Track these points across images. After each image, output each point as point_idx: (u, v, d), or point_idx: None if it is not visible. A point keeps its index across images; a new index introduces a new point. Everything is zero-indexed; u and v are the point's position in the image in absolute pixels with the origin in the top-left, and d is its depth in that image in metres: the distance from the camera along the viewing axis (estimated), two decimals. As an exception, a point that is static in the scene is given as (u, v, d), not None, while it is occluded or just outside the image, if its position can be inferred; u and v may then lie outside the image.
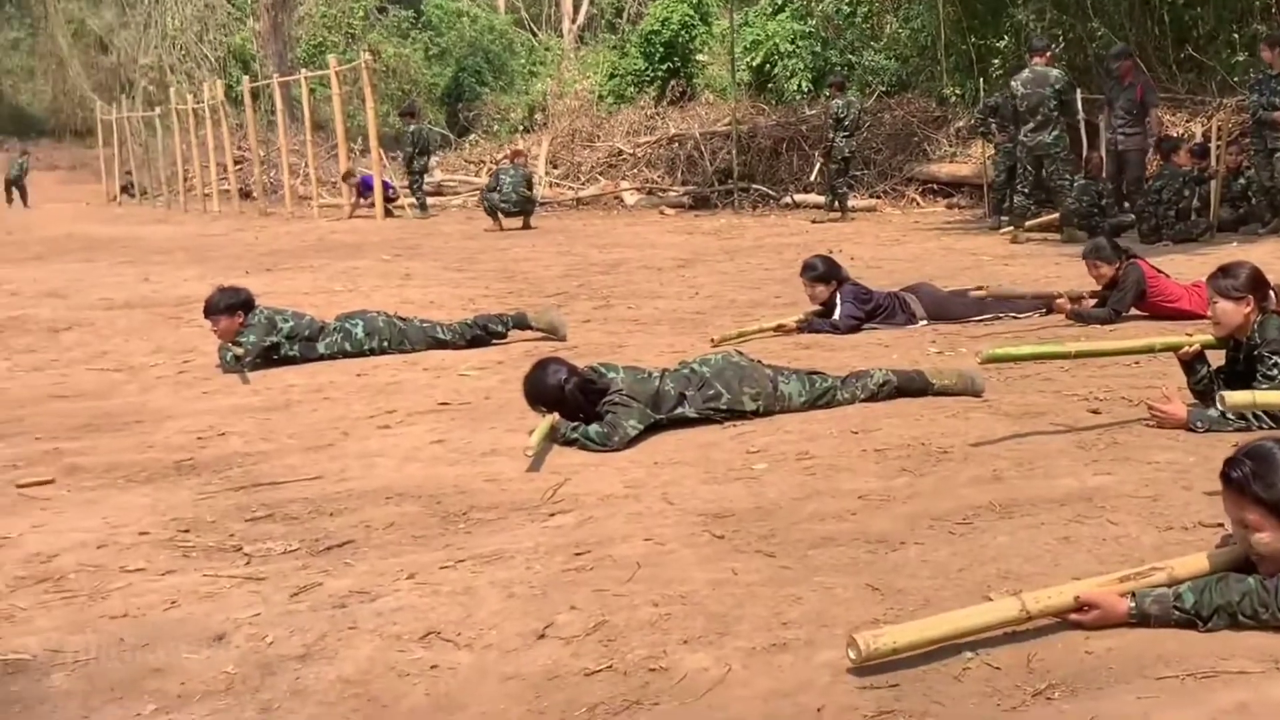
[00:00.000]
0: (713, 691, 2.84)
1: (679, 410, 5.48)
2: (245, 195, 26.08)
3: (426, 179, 23.37)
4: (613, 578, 3.63)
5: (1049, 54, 13.97)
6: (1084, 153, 14.70)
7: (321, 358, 7.74)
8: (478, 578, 3.72)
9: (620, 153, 24.19)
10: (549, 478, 4.85)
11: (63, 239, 19.16)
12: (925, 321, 8.02)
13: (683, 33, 26.58)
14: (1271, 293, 5.18)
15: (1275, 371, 5.02)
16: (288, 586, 3.74)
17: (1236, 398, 4.62)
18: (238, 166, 26.48)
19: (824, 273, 7.93)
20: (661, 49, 26.43)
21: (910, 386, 5.83)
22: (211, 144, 26.05)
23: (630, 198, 22.53)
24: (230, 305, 7.59)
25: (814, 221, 17.53)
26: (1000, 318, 8.07)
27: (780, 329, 7.82)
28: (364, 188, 22.07)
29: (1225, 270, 5.23)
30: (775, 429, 5.37)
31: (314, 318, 8.01)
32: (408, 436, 5.73)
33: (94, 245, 17.87)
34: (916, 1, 21.19)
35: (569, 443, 5.30)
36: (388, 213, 21.19)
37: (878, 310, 7.96)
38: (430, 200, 23.52)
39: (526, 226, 18.17)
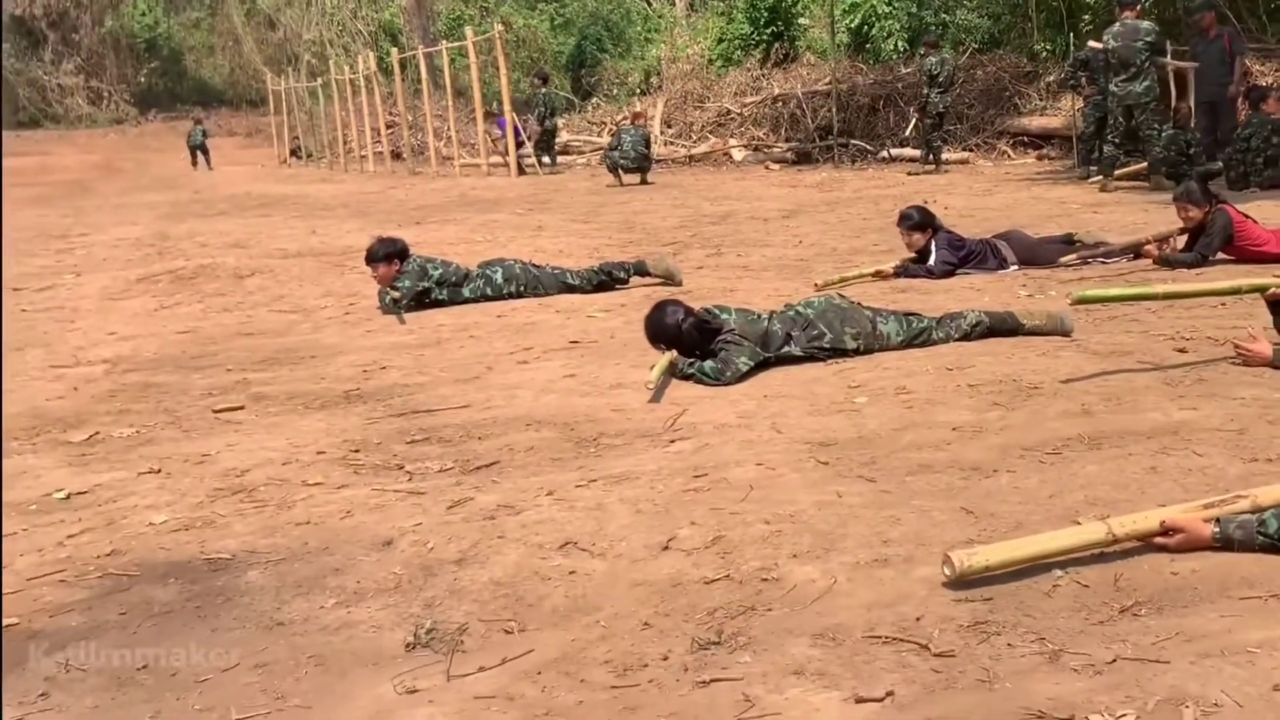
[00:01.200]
0: (820, 600, 2.91)
1: (786, 349, 5.51)
2: (396, 156, 26.56)
3: (555, 139, 23.59)
4: (728, 498, 3.71)
5: (1139, 7, 13.57)
6: (1172, 103, 14.29)
7: (466, 301, 8.03)
8: (608, 495, 3.83)
9: (728, 112, 24.06)
10: (669, 408, 4.94)
11: (242, 197, 19.77)
12: (1016, 266, 7.92)
13: (786, -1, 26.32)
14: None
15: None
16: (444, 500, 3.91)
17: None
18: (389, 130, 26.93)
19: (920, 221, 7.86)
20: (766, 14, 26.04)
21: (1002, 327, 5.79)
22: (366, 110, 26.58)
23: (738, 154, 22.39)
24: (388, 254, 7.93)
25: (910, 174, 17.30)
26: (1089, 263, 7.94)
27: (879, 274, 7.79)
28: (500, 127, 22.61)
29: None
30: (874, 366, 5.39)
31: (459, 265, 8.28)
32: (543, 371, 5.89)
33: (269, 202, 18.43)
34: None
35: (686, 377, 5.38)
36: (520, 170, 21.45)
37: (970, 256, 7.88)
38: (559, 159, 23.91)
39: (644, 182, 18.27)
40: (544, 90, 22.49)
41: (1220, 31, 13.68)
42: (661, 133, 24.17)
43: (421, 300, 7.91)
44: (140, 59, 47.22)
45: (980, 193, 13.96)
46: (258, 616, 3.09)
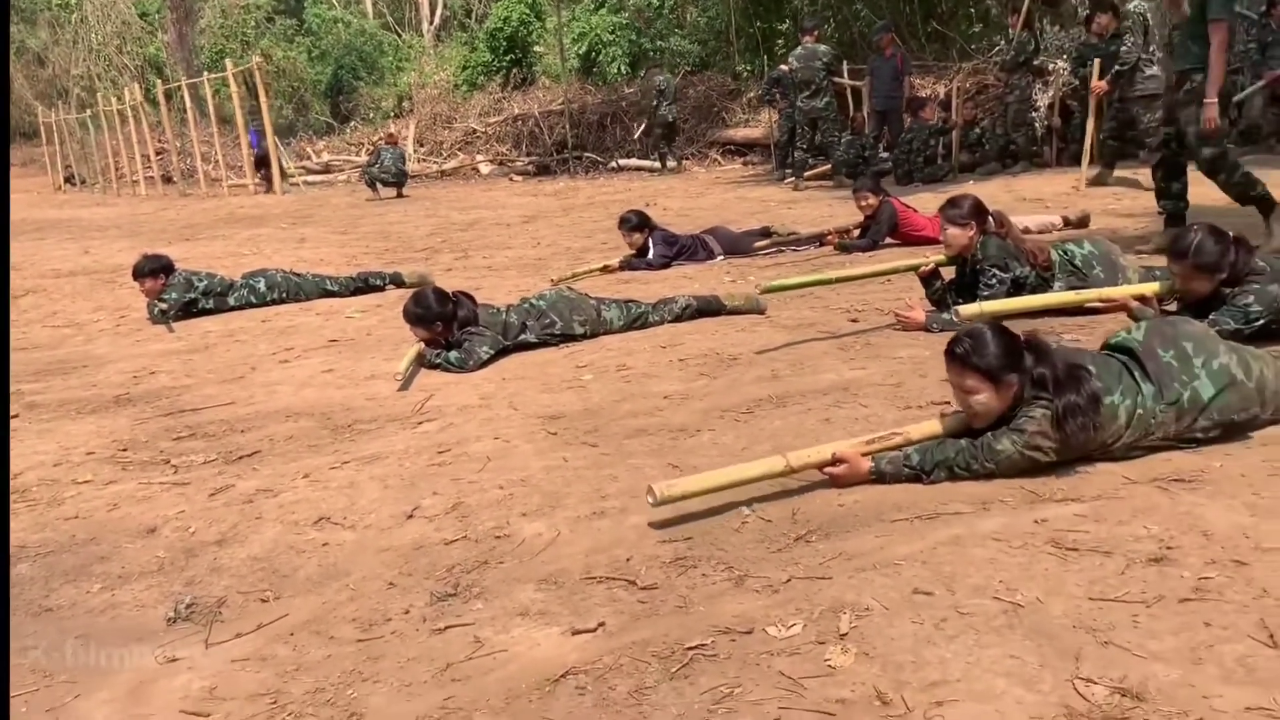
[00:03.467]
0: (545, 551, 2.96)
1: (522, 337, 5.55)
2: (167, 180, 25.42)
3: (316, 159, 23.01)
4: (467, 469, 3.72)
5: (817, 33, 14.16)
6: (850, 113, 14.97)
7: (232, 309, 7.78)
8: (359, 474, 3.78)
9: (474, 131, 23.93)
10: (418, 395, 4.90)
11: (17, 222, 18.43)
12: (722, 257, 8.17)
13: (521, 28, 26.35)
14: (990, 218, 5.41)
15: (994, 281, 5.25)
16: (207, 489, 3.80)
17: (968, 310, 4.87)
18: (159, 156, 25.77)
19: (637, 223, 8.01)
20: (505, 43, 26.20)
21: (708, 308, 5.98)
22: (135, 139, 25.41)
23: (485, 169, 22.30)
24: (153, 269, 7.66)
25: (656, 174, 17.82)
26: (783, 250, 8.27)
27: (606, 269, 7.91)
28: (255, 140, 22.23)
29: (952, 202, 5.43)
30: (600, 348, 5.48)
31: (224, 276, 8.01)
32: (303, 368, 5.73)
33: (43, 226, 17.27)
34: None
35: (434, 367, 5.34)
36: (266, 187, 20.95)
37: (683, 250, 8.09)
38: (318, 178, 23.65)
39: (400, 195, 17.97)
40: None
41: (895, 51, 14.41)
42: (415, 151, 23.82)
43: (189, 310, 7.62)
44: None
45: (694, 195, 14.32)
46: (26, 605, 2.95)
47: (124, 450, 4.42)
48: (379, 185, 18.12)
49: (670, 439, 3.87)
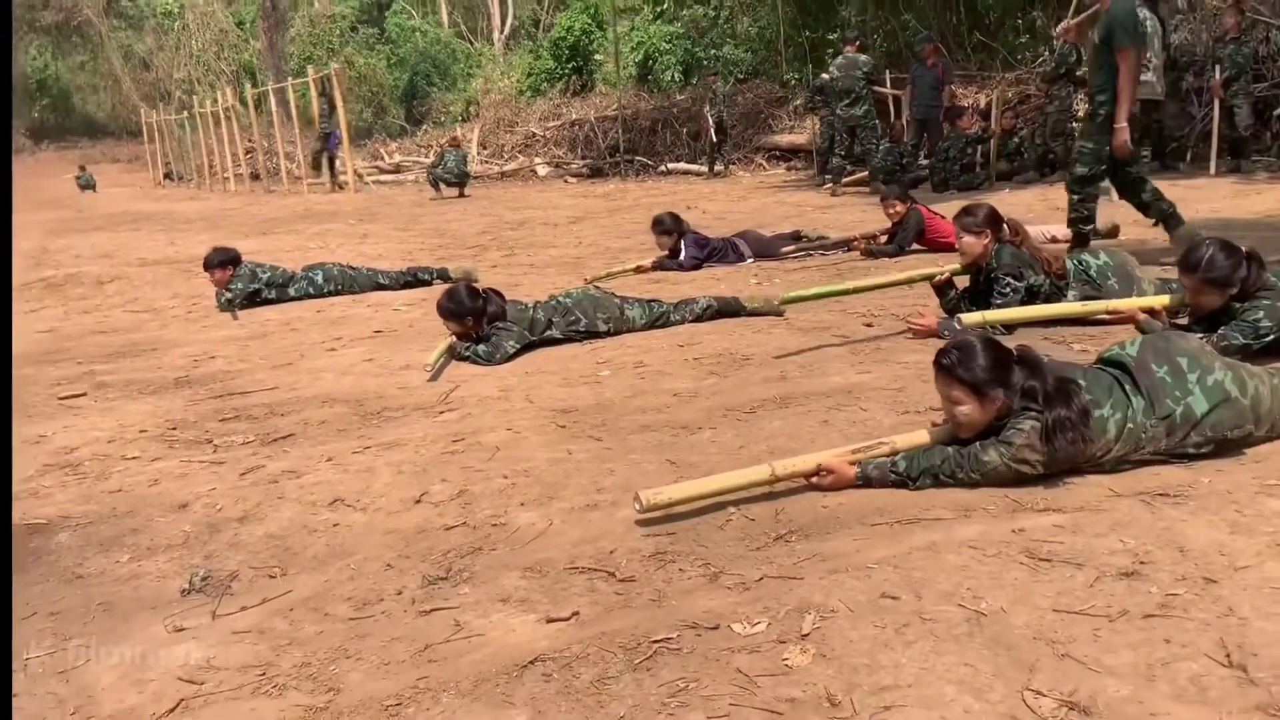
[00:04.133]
0: (536, 540, 2.95)
1: (548, 333, 5.55)
2: (254, 177, 25.90)
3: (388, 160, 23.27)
4: (477, 458, 3.73)
5: (859, 42, 14.03)
6: (890, 121, 14.81)
7: (292, 299, 7.93)
8: (378, 459, 3.81)
9: (534, 135, 23.99)
10: (445, 385, 4.92)
11: (118, 214, 19.04)
12: (752, 260, 8.12)
13: (583, 37, 26.50)
14: (1005, 226, 5.26)
15: (1007, 290, 5.13)
16: (240, 468, 3.86)
17: (970, 318, 4.78)
18: (248, 155, 26.26)
19: (668, 226, 7.98)
20: (567, 51, 26.38)
21: (728, 309, 5.95)
22: (226, 139, 25.93)
23: (542, 170, 22.37)
24: (221, 261, 7.87)
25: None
26: (811, 254, 8.20)
27: (639, 269, 7.89)
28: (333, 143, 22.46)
29: (967, 210, 5.29)
30: (620, 345, 5.46)
31: (286, 268, 8.18)
32: (347, 357, 5.79)
33: (139, 218, 17.78)
34: (763, 4, 21.18)
35: (463, 359, 5.36)
36: (339, 186, 21.19)
37: (714, 252, 8.04)
38: (389, 177, 24.15)
39: (462, 195, 18.07)
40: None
41: (937, 61, 14.26)
42: (478, 153, 23.94)
43: (253, 300, 7.80)
44: (33, 97, 46.52)
45: (735, 199, 14.24)
46: (61, 571, 3.03)
47: (173, 429, 4.52)
48: (442, 185, 18.27)
49: (672, 436, 3.84)
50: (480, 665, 2.27)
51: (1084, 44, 6.68)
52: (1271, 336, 4.06)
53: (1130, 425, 3.10)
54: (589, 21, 26.87)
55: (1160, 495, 2.95)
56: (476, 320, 5.42)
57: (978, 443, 3.12)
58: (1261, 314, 4.07)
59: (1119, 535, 2.70)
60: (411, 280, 8.20)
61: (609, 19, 25.68)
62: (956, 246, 5.39)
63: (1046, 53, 13.87)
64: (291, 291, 7.96)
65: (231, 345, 6.37)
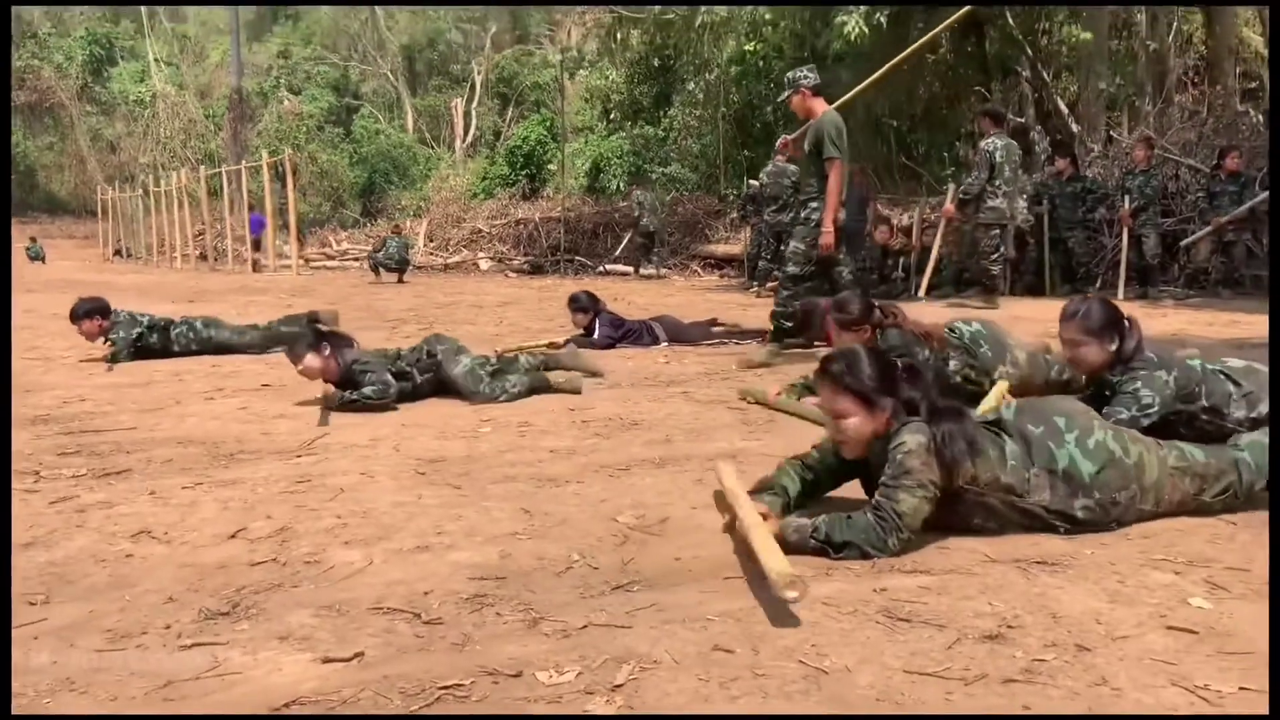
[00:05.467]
0: (349, 579, 2.53)
1: (399, 363, 5.26)
2: (202, 258, 25.43)
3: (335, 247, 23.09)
4: (316, 499, 3.29)
5: (786, 155, 14.06)
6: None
7: (178, 347, 7.39)
8: (207, 495, 3.36)
9: (480, 231, 23.77)
10: (315, 431, 4.49)
11: (57, 281, 18.46)
12: (666, 343, 7.80)
13: (538, 147, 26.68)
14: (878, 312, 4.92)
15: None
16: (51, 497, 3.39)
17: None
18: (198, 236, 25.83)
19: (584, 304, 7.65)
20: (522, 159, 26.54)
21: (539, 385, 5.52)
22: (177, 220, 25.51)
23: (484, 264, 22.05)
24: (88, 311, 7.26)
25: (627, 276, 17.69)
26: (725, 343, 7.90)
27: (551, 345, 7.52)
28: (255, 225, 22.26)
29: (839, 306, 4.96)
30: (509, 407, 5.07)
31: (161, 315, 7.67)
32: (223, 405, 5.32)
33: (76, 285, 17.03)
34: (707, 125, 21.36)
35: (348, 406, 4.93)
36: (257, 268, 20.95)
37: (629, 333, 7.72)
38: (334, 263, 23.74)
39: (401, 281, 17.65)
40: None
41: (862, 181, 14.28)
42: (425, 245, 23.64)
43: (138, 346, 7.22)
44: None
45: (664, 295, 13.97)
46: None
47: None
48: (382, 270, 17.88)
49: (535, 487, 3.43)
50: (225, 706, 1.83)
51: (800, 157, 6.90)
52: (1156, 411, 3.70)
53: (1014, 462, 2.76)
54: (545, 133, 27.12)
55: (1038, 563, 2.60)
56: (334, 352, 5.07)
57: (879, 499, 2.68)
58: (1139, 384, 3.72)
59: (988, 598, 2.34)
60: (278, 337, 7.58)
61: (564, 135, 25.95)
62: (833, 342, 4.98)
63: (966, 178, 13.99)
64: (173, 334, 7.39)
65: (109, 391, 5.87)
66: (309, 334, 5.14)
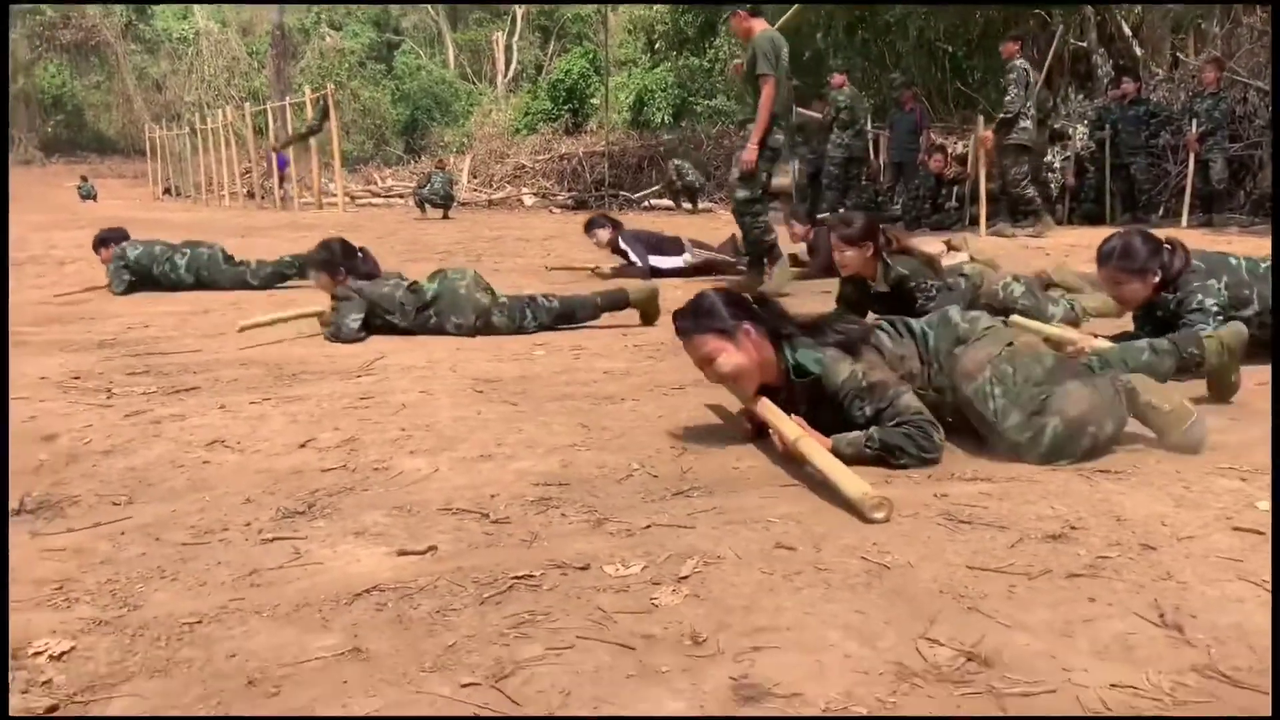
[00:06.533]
0: (416, 484, 2.62)
1: (389, 318, 5.19)
2: (250, 196, 25.67)
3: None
4: (379, 413, 3.39)
5: (843, 77, 13.98)
6: (868, 161, 14.64)
7: (182, 278, 7.58)
8: (274, 410, 3.47)
9: (524, 166, 23.76)
10: (371, 354, 4.59)
11: (109, 219, 18.56)
12: (690, 254, 7.79)
13: (581, 80, 26.48)
14: (883, 235, 4.74)
15: (933, 293, 4.63)
16: (125, 411, 3.51)
17: None
18: (244, 174, 26.04)
19: (601, 223, 7.81)
20: (565, 93, 26.37)
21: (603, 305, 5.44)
22: (225, 157, 25.74)
23: (528, 200, 22.08)
24: (103, 239, 7.68)
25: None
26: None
27: (596, 270, 7.61)
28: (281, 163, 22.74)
29: (844, 220, 4.83)
30: (561, 333, 5.14)
31: (167, 243, 7.87)
32: (283, 330, 5.42)
33: (130, 223, 17.13)
34: (753, 54, 21.13)
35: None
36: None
37: (655, 244, 7.80)
38: (380, 200, 23.92)
39: (446, 217, 17.70)
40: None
41: (914, 107, 14.10)
42: (468, 182, 23.68)
43: (133, 277, 7.47)
44: (48, 112, 46.77)
45: (711, 228, 13.90)
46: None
47: (75, 379, 4.19)
48: (427, 206, 17.94)
49: (591, 404, 3.51)
50: (307, 592, 1.92)
51: (740, 76, 6.86)
52: (1219, 312, 3.63)
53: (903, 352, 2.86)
54: (587, 66, 26.88)
55: (1100, 471, 2.62)
56: (348, 275, 5.16)
57: (884, 426, 2.68)
58: (1199, 295, 3.69)
59: (1050, 503, 2.37)
60: (278, 274, 7.79)
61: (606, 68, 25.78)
62: (835, 259, 4.88)
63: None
64: (182, 265, 7.56)
65: (170, 318, 6.04)
66: (334, 255, 5.20)
